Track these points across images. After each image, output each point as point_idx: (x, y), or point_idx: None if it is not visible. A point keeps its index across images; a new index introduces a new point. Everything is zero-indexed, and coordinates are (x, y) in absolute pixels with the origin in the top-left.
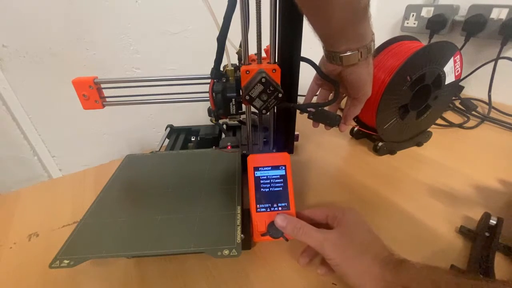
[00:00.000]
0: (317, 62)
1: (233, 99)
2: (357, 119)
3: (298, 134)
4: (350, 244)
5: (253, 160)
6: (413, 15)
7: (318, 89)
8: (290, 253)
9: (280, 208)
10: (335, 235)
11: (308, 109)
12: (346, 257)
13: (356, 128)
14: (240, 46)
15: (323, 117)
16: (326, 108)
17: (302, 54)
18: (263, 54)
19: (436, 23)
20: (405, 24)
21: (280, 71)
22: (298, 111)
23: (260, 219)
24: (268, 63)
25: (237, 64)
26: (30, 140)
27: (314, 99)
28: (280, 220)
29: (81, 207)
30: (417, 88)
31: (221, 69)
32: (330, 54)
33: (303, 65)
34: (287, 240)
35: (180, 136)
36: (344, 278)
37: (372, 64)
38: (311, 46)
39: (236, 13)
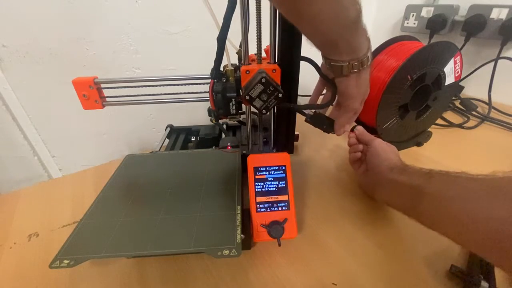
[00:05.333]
0: (317, 61)
1: (233, 99)
2: (357, 120)
3: (298, 134)
4: (379, 156)
5: (253, 160)
6: (413, 15)
7: (323, 88)
8: (290, 253)
9: (280, 208)
10: (378, 142)
11: (306, 112)
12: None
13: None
14: (240, 46)
15: (320, 122)
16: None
17: (302, 54)
18: (263, 54)
19: (436, 23)
20: (405, 24)
21: (280, 71)
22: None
23: (260, 219)
24: (268, 63)
25: (237, 64)
26: (30, 140)
27: (320, 99)
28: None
29: (81, 207)
30: (417, 88)
31: (221, 69)
32: (324, 60)
33: (303, 65)
34: (279, 245)
35: (180, 136)
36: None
37: (365, 78)
38: (311, 46)
39: (236, 13)
